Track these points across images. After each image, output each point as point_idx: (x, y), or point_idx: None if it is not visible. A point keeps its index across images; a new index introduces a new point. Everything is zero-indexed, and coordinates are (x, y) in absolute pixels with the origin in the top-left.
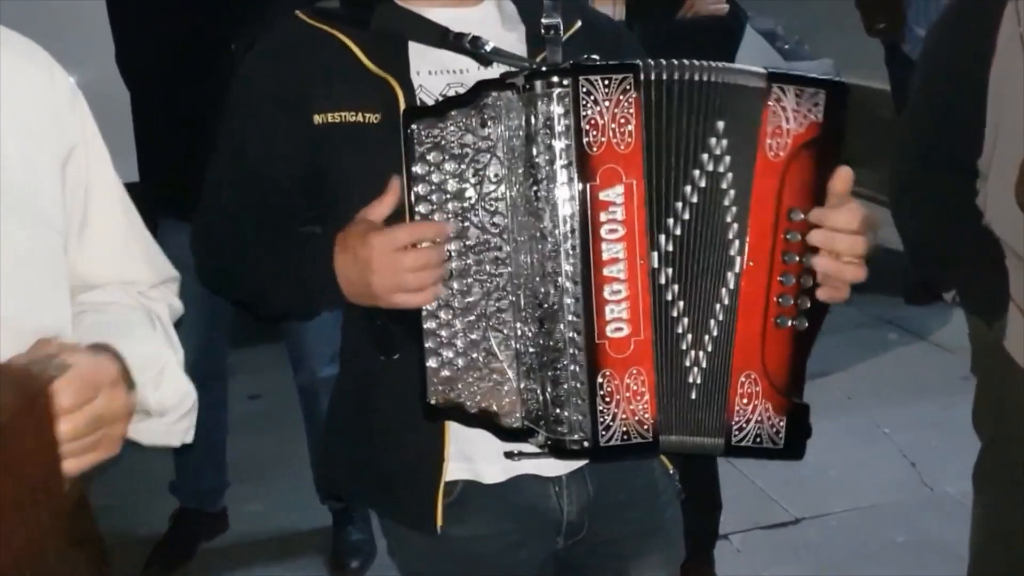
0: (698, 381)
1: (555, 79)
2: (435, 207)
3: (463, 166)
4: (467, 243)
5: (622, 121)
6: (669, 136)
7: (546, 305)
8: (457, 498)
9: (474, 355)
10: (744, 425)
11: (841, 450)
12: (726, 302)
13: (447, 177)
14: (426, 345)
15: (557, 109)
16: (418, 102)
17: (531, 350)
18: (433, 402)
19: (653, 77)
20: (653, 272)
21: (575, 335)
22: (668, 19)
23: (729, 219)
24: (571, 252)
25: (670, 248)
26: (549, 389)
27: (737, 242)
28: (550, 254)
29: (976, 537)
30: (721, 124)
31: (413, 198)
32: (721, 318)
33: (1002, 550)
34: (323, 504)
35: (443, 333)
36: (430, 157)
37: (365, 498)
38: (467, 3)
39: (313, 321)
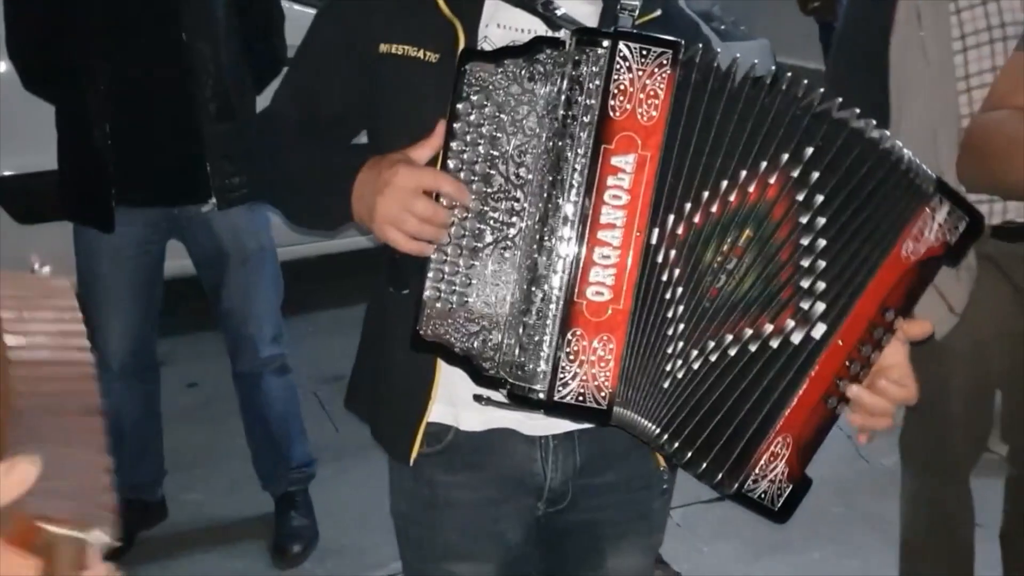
0: (679, 375)
1: (597, 39)
2: (468, 147)
3: (503, 114)
4: (489, 190)
5: (651, 93)
6: (708, 123)
7: (537, 256)
8: (446, 446)
9: (470, 298)
10: (759, 480)
11: None
12: (767, 328)
13: (485, 121)
14: (427, 275)
15: (592, 68)
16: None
17: (519, 301)
18: (422, 332)
19: (698, 60)
20: (649, 248)
21: (558, 289)
22: None
23: (808, 262)
24: (572, 208)
25: (679, 231)
26: (524, 337)
27: (820, 304)
28: (553, 207)
29: (905, 508)
30: (809, 150)
31: (450, 133)
32: (753, 349)
33: (929, 520)
34: (264, 491)
35: (446, 268)
36: (475, 98)
37: (366, 417)
38: None
39: (253, 307)
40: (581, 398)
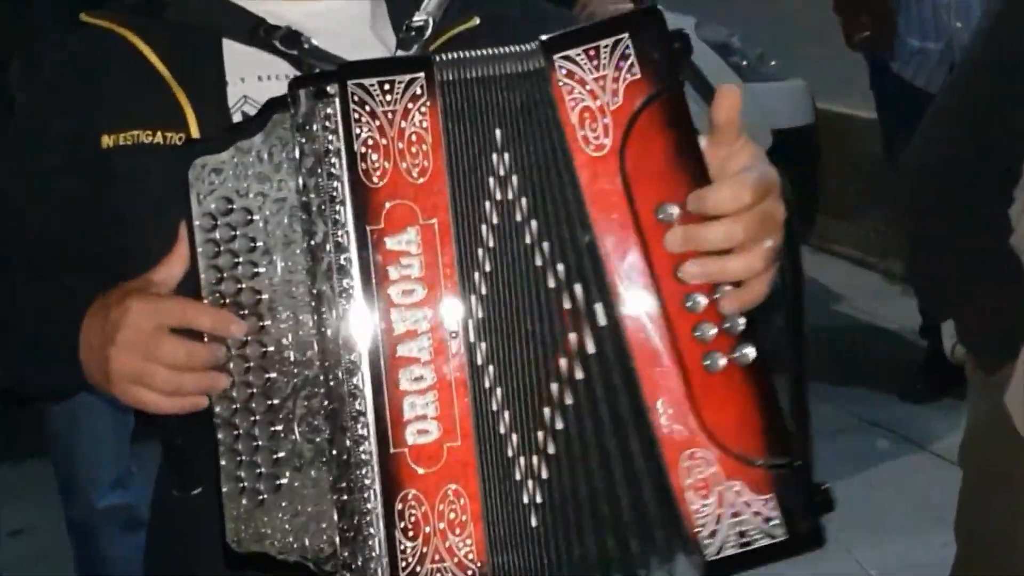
0: (537, 499)
1: (320, 85)
2: (223, 272)
3: (256, 218)
4: (264, 322)
5: (413, 139)
6: (464, 157)
7: (327, 401)
8: None
9: (283, 478)
10: (715, 527)
11: None
12: (578, 375)
13: (236, 231)
14: (221, 463)
15: (325, 125)
16: (238, 117)
17: (331, 470)
18: (234, 543)
19: (452, 77)
20: (471, 349)
21: (363, 443)
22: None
23: (541, 261)
24: (351, 325)
25: (480, 314)
26: (343, 523)
27: (577, 287)
28: (330, 328)
29: None
30: (499, 133)
31: (199, 261)
32: (571, 400)
33: None
34: None
35: (241, 447)
36: (214, 206)
37: None
38: None
39: (87, 435)
40: None
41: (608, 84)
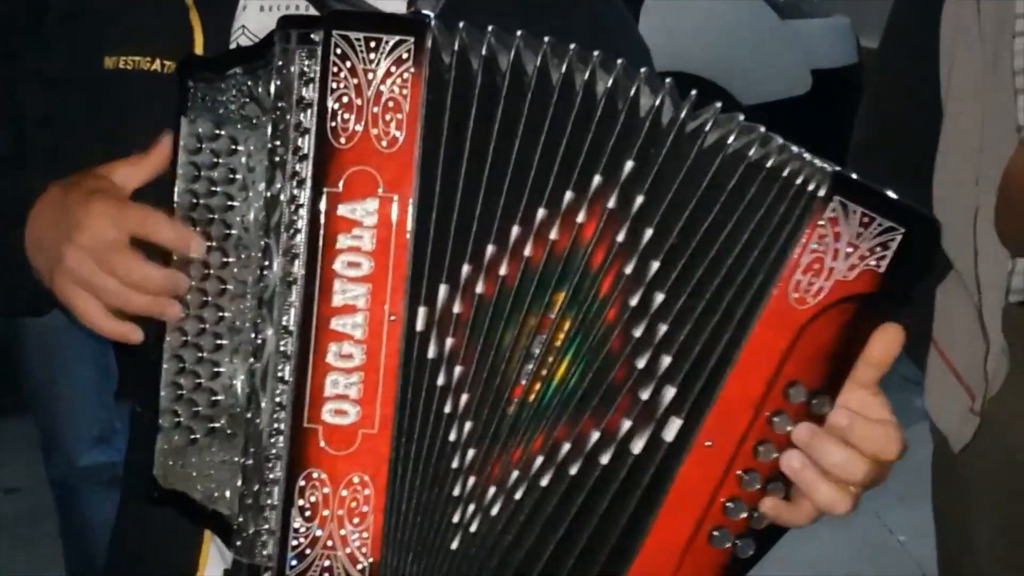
0: (471, 526)
1: (305, 28)
2: (198, 198)
3: (240, 149)
4: (229, 258)
5: (389, 104)
6: (484, 142)
7: (253, 358)
8: None
9: (218, 422)
10: None
11: (839, 565)
12: (593, 436)
13: (218, 159)
14: (161, 394)
15: (303, 69)
16: (233, 45)
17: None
18: (160, 479)
19: (456, 47)
20: (414, 337)
21: (277, 410)
22: None
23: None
24: (290, 285)
25: (457, 308)
26: (244, 487)
27: (669, 390)
28: (267, 284)
29: None
30: (628, 166)
31: (177, 182)
32: (575, 472)
33: None
34: None
35: (183, 381)
36: (201, 130)
37: None
38: None
39: (67, 389)
40: (327, 574)
41: (853, 256)
